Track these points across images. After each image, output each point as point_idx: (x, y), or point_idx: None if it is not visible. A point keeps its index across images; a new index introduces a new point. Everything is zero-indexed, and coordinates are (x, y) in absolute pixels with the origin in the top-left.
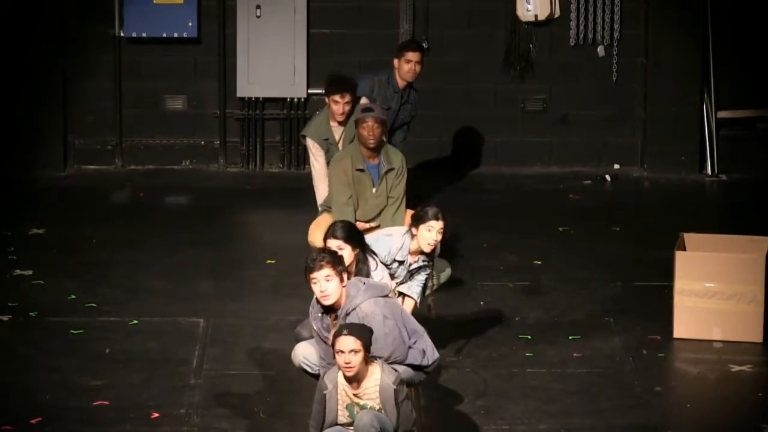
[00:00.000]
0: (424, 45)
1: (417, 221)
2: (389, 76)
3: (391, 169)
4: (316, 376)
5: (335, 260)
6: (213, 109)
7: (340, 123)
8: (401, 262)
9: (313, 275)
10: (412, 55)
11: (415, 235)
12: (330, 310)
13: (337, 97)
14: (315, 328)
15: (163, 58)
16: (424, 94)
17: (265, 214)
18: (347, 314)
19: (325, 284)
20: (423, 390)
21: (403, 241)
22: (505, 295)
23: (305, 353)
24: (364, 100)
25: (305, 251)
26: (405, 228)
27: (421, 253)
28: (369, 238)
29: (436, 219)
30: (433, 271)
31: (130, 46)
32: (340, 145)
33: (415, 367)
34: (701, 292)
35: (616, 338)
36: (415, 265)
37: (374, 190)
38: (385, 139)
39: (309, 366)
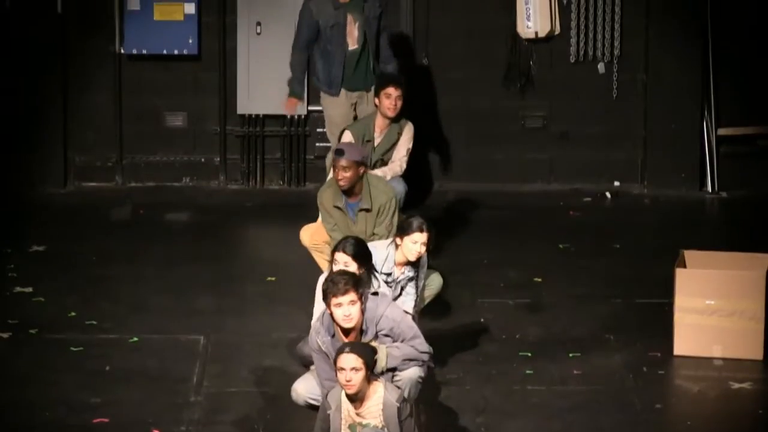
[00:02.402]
0: (425, 61)
1: (401, 232)
2: None
3: (367, 210)
4: None
5: (357, 282)
6: (213, 125)
7: (391, 120)
8: (388, 275)
9: (337, 299)
10: None
11: (400, 245)
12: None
13: (390, 90)
14: (322, 349)
15: (164, 74)
16: (424, 110)
17: (265, 231)
18: (377, 324)
19: (349, 308)
20: (424, 407)
21: (387, 252)
22: (505, 311)
23: (308, 388)
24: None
25: (306, 268)
26: (389, 240)
27: (407, 263)
28: None
29: (421, 231)
30: (425, 282)
31: (130, 62)
32: (375, 143)
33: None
34: (701, 309)
35: (616, 355)
36: (402, 277)
37: (354, 227)
38: (368, 172)
39: (315, 400)
